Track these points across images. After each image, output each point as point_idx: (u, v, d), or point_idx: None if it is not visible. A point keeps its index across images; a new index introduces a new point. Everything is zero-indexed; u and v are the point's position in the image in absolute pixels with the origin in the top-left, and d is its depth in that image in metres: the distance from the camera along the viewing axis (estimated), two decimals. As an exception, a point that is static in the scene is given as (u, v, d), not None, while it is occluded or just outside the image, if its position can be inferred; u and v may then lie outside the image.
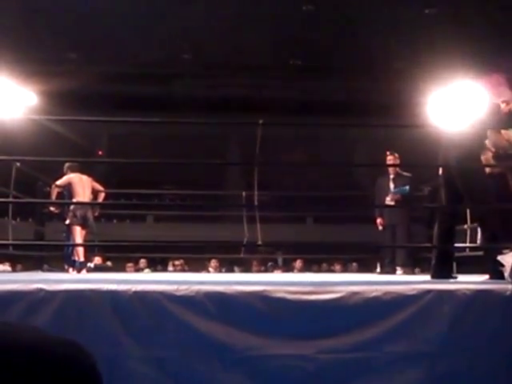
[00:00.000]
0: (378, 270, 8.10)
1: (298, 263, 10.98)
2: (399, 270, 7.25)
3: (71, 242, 7.31)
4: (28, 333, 0.79)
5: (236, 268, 11.16)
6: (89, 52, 13.38)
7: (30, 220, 9.78)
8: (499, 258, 3.28)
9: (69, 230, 7.22)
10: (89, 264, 7.27)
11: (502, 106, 4.57)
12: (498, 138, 4.38)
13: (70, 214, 7.12)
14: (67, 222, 7.17)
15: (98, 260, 9.33)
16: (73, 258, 7.18)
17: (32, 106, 8.30)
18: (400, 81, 13.99)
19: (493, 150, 4.51)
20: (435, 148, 4.76)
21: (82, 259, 7.09)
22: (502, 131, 4.56)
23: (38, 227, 8.40)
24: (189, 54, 13.98)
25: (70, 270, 7.14)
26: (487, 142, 4.30)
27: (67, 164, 7.40)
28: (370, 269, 8.17)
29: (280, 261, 11.45)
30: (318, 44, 13.31)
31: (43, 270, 7.60)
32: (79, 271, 7.02)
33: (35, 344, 0.76)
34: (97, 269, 8.04)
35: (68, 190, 7.30)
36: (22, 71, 9.28)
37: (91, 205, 7.32)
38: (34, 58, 11.91)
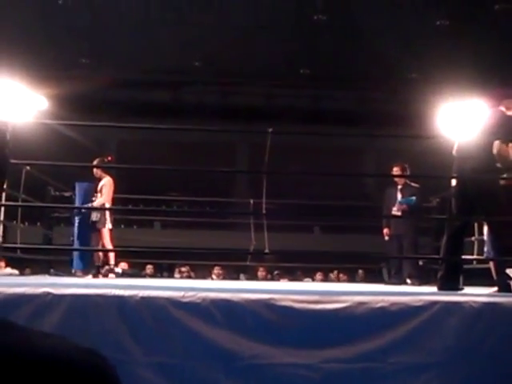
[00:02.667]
0: (386, 277, 8.06)
1: (318, 276, 11.04)
2: (408, 281, 7.22)
3: (80, 247, 7.34)
4: (48, 340, 0.76)
5: (242, 275, 11.14)
6: (100, 58, 13.45)
7: (38, 224, 9.82)
8: (508, 271, 3.27)
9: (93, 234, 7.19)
10: (116, 269, 7.24)
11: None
12: (505, 149, 4.37)
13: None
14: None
15: (123, 265, 9.18)
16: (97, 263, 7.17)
17: (43, 110, 8.37)
18: (411, 92, 13.98)
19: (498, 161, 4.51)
20: (445, 159, 4.76)
21: (112, 262, 7.10)
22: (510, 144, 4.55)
23: (46, 231, 8.43)
24: (200, 62, 14.02)
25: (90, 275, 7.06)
26: (494, 152, 4.29)
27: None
28: (377, 279, 8.13)
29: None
30: (329, 53, 13.32)
31: (50, 274, 7.62)
32: (104, 275, 7.06)
33: (56, 352, 0.73)
34: (125, 274, 7.98)
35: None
36: (34, 76, 9.35)
37: (101, 210, 7.29)
38: (45, 63, 11.98)
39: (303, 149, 15.74)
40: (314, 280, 11.07)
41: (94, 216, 7.09)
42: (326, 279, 11.26)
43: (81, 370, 0.73)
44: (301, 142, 15.77)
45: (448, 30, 11.77)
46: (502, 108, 4.56)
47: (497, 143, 4.30)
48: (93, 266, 7.29)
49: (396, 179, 7.76)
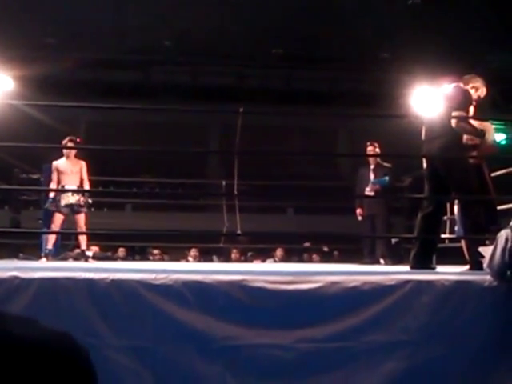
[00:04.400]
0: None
1: (279, 251, 10.90)
2: (381, 261, 7.27)
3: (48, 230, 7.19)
4: (20, 323, 0.76)
5: (215, 257, 11.10)
6: (67, 37, 13.17)
7: (6, 208, 9.62)
8: (480, 249, 3.30)
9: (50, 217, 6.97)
10: (87, 253, 7.06)
11: (472, 91, 4.61)
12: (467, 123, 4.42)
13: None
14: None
15: (94, 249, 8.97)
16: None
17: (9, 91, 8.16)
18: (383, 71, 14.03)
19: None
20: (417, 139, 4.77)
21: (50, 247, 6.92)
22: (473, 122, 4.60)
23: (13, 215, 8.27)
24: (170, 41, 13.83)
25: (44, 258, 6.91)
26: (453, 125, 4.32)
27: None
28: (350, 259, 8.17)
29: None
30: (301, 33, 13.26)
31: (19, 258, 7.49)
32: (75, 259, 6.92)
33: (29, 336, 0.73)
34: (96, 258, 7.77)
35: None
36: (0, 56, 9.12)
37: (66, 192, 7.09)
38: (11, 44, 11.68)
39: (276, 129, 15.72)
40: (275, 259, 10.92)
41: (80, 200, 6.90)
42: (299, 260, 11.28)
43: (53, 353, 0.73)
44: (273, 123, 15.73)
45: (419, 10, 11.80)
46: (461, 84, 4.60)
47: (455, 115, 4.33)
48: (62, 249, 7.16)
49: (369, 159, 7.78)
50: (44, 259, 6.76)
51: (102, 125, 15.11)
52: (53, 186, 6.83)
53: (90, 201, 7.07)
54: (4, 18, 11.18)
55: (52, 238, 6.88)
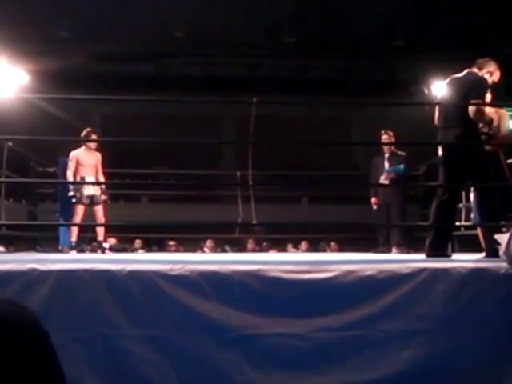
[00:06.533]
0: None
1: (304, 244, 11.07)
2: (394, 250, 7.25)
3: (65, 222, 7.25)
4: None
5: (227, 247, 11.11)
6: (81, 31, 13.22)
7: (24, 201, 9.73)
8: (496, 236, 3.28)
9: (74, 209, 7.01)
10: (104, 245, 7.12)
11: (487, 76, 4.56)
12: (480, 110, 4.37)
13: None
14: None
15: (112, 241, 9.02)
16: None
17: (24, 85, 8.22)
18: (397, 59, 13.91)
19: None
20: (432, 126, 4.74)
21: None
22: (488, 109, 4.57)
23: (31, 207, 8.36)
24: (182, 33, 13.82)
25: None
26: (471, 115, 4.29)
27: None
28: (366, 248, 8.17)
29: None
30: (313, 22, 13.18)
31: (37, 251, 7.56)
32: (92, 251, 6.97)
33: None
34: (113, 250, 7.82)
35: None
36: (14, 50, 9.18)
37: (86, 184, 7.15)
38: (25, 37, 11.74)
39: (289, 119, 15.67)
40: (298, 250, 11.11)
41: (100, 191, 6.97)
42: (315, 249, 11.32)
43: (3, 320, 0.74)
44: (287, 112, 15.69)
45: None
46: (475, 69, 4.56)
47: (473, 103, 4.30)
48: (80, 241, 7.21)
49: (383, 148, 7.74)
50: (70, 251, 6.82)
51: (117, 117, 15.18)
52: (70, 174, 6.89)
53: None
54: (17, 13, 11.24)
55: (76, 231, 6.94)
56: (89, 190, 6.85)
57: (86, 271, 2.77)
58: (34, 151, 8.07)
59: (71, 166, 6.91)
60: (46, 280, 2.71)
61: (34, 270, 2.74)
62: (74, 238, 6.88)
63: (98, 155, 7.09)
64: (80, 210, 6.82)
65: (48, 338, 0.79)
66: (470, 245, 5.52)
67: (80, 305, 2.69)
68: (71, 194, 6.81)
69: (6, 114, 8.00)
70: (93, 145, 7.01)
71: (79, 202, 6.80)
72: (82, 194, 6.79)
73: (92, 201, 6.87)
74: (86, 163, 6.96)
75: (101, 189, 6.97)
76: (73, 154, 6.96)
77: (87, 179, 6.92)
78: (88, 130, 7.04)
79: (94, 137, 7.03)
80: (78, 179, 6.89)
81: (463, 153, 4.38)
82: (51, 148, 7.94)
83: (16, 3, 11.00)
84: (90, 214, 6.97)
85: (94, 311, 2.69)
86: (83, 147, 7.02)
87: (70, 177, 6.88)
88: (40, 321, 0.78)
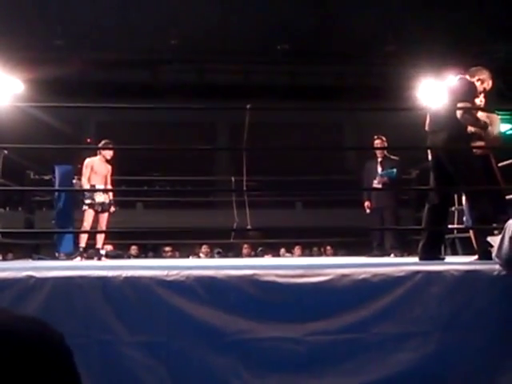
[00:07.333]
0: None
1: (297, 249, 11.11)
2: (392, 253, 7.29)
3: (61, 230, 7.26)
4: None
5: (216, 253, 11.07)
6: (75, 39, 13.24)
7: (20, 209, 9.72)
8: (489, 238, 3.31)
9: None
10: (101, 251, 7.17)
11: (477, 84, 4.62)
12: (474, 116, 4.43)
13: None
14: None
15: (108, 247, 9.02)
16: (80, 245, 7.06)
17: (19, 93, 8.23)
18: (389, 65, 13.98)
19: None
20: (423, 131, 4.79)
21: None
22: (480, 113, 4.62)
23: (28, 215, 8.36)
24: (176, 40, 13.86)
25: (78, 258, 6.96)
26: (458, 117, 4.33)
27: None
28: (359, 252, 8.20)
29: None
30: (306, 29, 13.24)
31: (33, 259, 7.57)
32: (89, 258, 6.99)
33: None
34: (109, 256, 7.86)
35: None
36: (9, 59, 9.18)
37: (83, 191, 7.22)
38: (20, 46, 11.76)
39: (283, 125, 15.71)
40: (292, 255, 11.15)
41: (108, 199, 7.07)
42: (308, 254, 11.35)
43: (25, 339, 0.73)
44: (280, 119, 15.73)
45: (424, 1, 11.75)
46: (467, 76, 4.61)
47: (460, 106, 4.34)
48: (77, 248, 7.23)
49: (376, 152, 7.79)
50: (78, 258, 6.84)
51: (111, 125, 15.18)
52: (85, 181, 6.98)
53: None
54: (13, 21, 11.26)
55: (85, 237, 6.99)
56: (99, 198, 6.94)
57: (82, 278, 2.78)
58: (30, 159, 8.09)
59: (86, 172, 7.04)
60: (43, 287, 2.73)
61: (31, 277, 2.76)
62: (82, 244, 6.95)
63: (109, 167, 7.21)
64: (89, 215, 6.91)
65: (71, 357, 0.79)
66: (463, 248, 5.56)
67: (76, 311, 2.70)
68: (88, 201, 6.92)
69: (1, 122, 8.02)
70: (108, 155, 7.10)
71: (92, 208, 6.88)
72: (94, 200, 6.89)
73: (102, 207, 6.98)
74: (98, 172, 7.11)
75: (109, 198, 7.08)
76: (88, 161, 7.09)
77: (97, 187, 7.03)
78: (106, 141, 7.17)
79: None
80: (89, 186, 7.01)
81: (450, 155, 4.43)
82: (46, 156, 7.95)
83: (11, 11, 11.02)
84: (95, 220, 7.08)
85: (91, 317, 2.70)
86: (98, 156, 7.13)
87: (85, 183, 6.98)
88: (63, 339, 0.78)
